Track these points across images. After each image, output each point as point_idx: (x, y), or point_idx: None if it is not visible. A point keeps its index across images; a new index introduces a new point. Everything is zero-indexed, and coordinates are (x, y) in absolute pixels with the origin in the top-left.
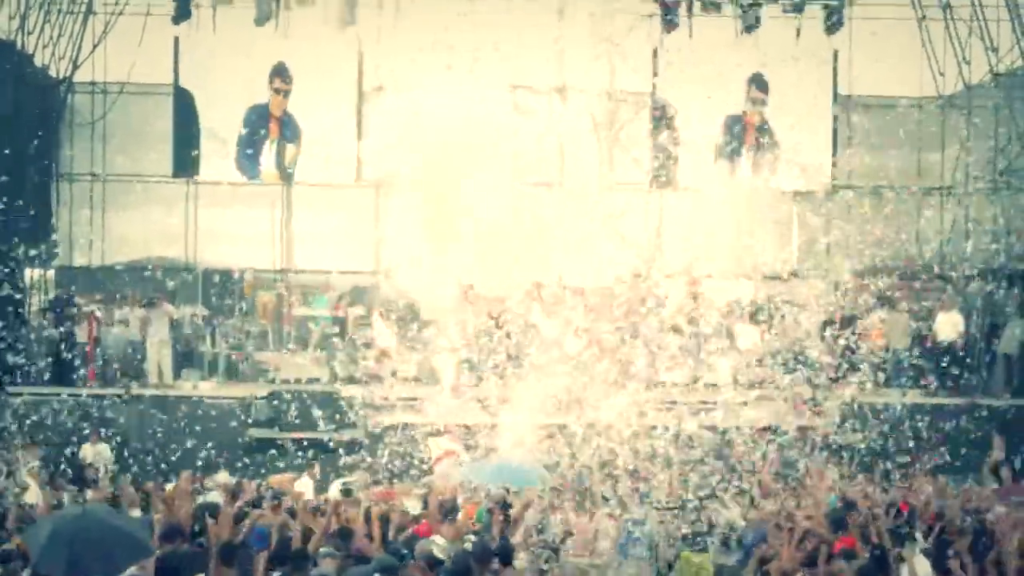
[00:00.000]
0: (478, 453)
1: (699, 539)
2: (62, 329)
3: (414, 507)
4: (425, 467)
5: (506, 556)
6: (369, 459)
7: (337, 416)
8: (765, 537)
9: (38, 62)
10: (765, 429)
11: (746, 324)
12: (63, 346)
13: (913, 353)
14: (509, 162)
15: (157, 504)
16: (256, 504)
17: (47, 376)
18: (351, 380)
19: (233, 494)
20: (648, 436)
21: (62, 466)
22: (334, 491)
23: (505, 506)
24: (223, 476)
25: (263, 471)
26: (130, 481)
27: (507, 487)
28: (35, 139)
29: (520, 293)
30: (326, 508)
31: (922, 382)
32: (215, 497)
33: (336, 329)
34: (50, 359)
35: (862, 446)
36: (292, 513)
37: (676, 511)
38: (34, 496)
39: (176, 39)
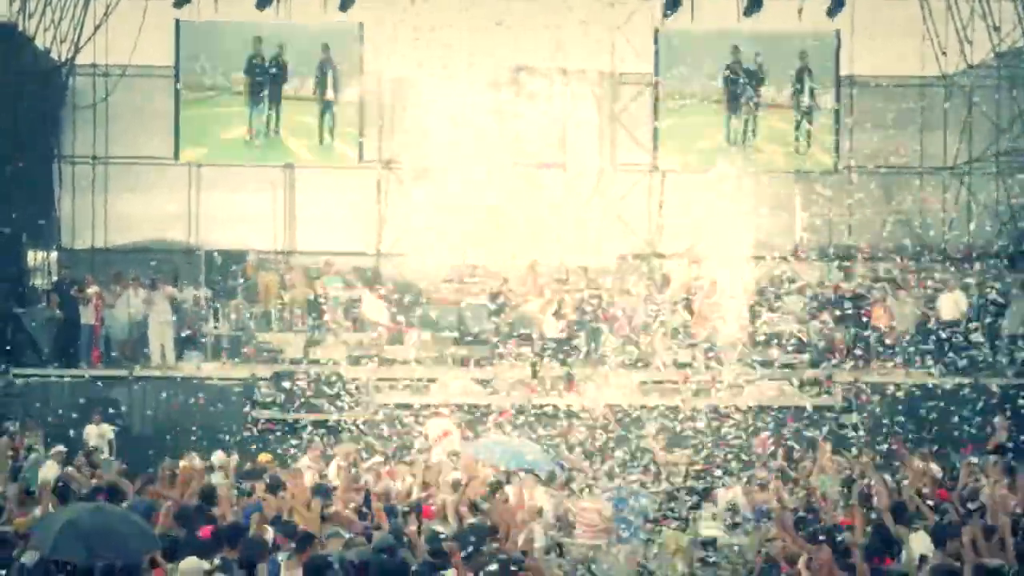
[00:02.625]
0: (478, 433)
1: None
2: (67, 311)
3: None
4: (424, 447)
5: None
6: (371, 439)
7: (340, 396)
8: (768, 515)
9: (39, 45)
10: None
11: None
12: (69, 328)
13: (917, 333)
14: (512, 144)
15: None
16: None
17: (51, 358)
18: (354, 360)
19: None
20: (649, 417)
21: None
22: (333, 471)
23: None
24: (219, 456)
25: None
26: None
27: (513, 469)
28: (37, 122)
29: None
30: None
31: (926, 361)
32: (219, 478)
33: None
34: (56, 341)
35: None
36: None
37: (669, 491)
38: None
39: (177, 21)
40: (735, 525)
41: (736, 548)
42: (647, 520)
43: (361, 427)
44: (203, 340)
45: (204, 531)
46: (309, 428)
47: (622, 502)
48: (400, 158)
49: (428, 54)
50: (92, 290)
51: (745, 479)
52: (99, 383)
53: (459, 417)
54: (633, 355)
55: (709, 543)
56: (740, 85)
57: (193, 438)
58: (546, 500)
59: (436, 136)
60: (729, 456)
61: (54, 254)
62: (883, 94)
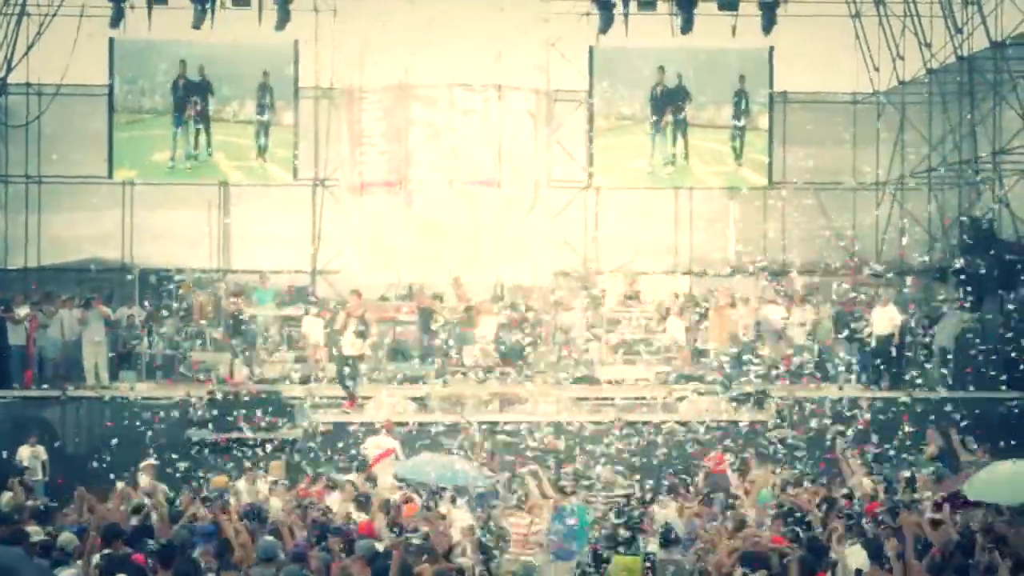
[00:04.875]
0: (415, 451)
1: (631, 541)
2: None
3: (343, 504)
4: (363, 464)
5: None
6: (308, 458)
7: (277, 416)
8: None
9: None
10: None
11: (676, 318)
12: None
13: (850, 347)
14: (447, 161)
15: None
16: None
17: None
18: (290, 379)
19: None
20: (586, 433)
21: None
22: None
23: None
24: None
25: (201, 472)
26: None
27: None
28: None
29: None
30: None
31: (859, 376)
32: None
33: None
34: None
35: (799, 440)
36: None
37: (610, 511)
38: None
39: (111, 40)
40: (670, 542)
41: (672, 565)
42: (587, 536)
43: (298, 446)
44: (137, 359)
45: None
46: (246, 448)
47: (561, 518)
48: (335, 176)
49: (363, 71)
50: (23, 311)
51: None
52: (31, 404)
53: (397, 434)
54: (567, 370)
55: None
56: (664, 104)
57: (127, 459)
58: (467, 517)
59: (371, 153)
60: (666, 473)
61: None
62: (816, 110)
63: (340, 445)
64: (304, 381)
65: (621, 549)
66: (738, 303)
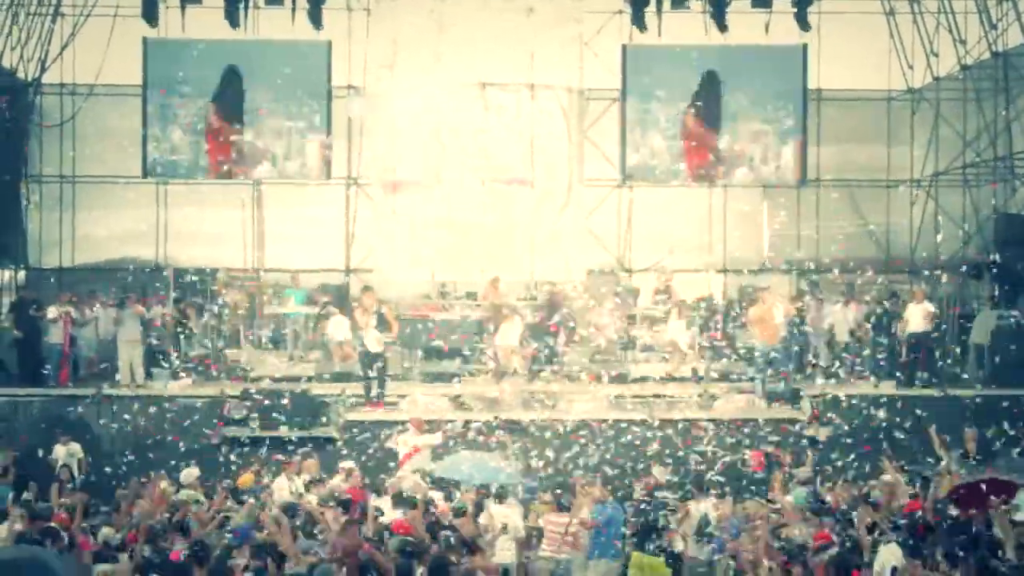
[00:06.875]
0: (448, 449)
1: (655, 541)
2: (25, 331)
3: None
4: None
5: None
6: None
7: (310, 414)
8: (736, 533)
9: (6, 64)
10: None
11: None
12: (29, 348)
13: (884, 345)
14: (480, 160)
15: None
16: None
17: (18, 378)
18: (324, 378)
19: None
20: (621, 431)
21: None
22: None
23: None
24: (190, 471)
25: (235, 470)
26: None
27: (481, 485)
28: (3, 141)
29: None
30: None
31: (894, 374)
32: (190, 493)
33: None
34: (22, 361)
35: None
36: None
37: (644, 508)
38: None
39: (145, 40)
40: (707, 539)
41: (706, 562)
42: (621, 534)
43: (331, 444)
44: (172, 358)
45: (174, 554)
46: (281, 446)
47: (599, 516)
48: (369, 175)
49: (396, 70)
50: (62, 309)
51: (717, 493)
52: (66, 402)
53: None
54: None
55: (677, 557)
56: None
57: (162, 456)
58: (511, 515)
59: (405, 152)
60: (700, 469)
61: (21, 273)
62: (850, 107)
63: (374, 443)
64: (337, 379)
65: (648, 547)
66: (782, 301)
